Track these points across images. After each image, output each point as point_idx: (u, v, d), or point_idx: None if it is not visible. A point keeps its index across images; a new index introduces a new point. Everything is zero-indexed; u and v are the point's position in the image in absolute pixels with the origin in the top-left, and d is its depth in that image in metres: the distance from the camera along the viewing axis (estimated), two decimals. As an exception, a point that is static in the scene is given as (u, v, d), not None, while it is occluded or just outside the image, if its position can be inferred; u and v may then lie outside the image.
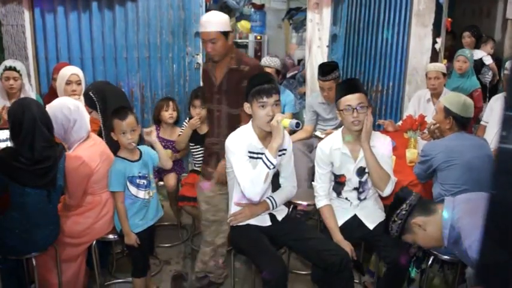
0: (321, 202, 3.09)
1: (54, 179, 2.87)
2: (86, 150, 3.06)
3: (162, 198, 4.59)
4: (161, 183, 4.21)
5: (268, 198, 2.98)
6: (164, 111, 4.18)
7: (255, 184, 2.72)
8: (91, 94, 3.41)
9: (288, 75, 6.90)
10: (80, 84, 3.91)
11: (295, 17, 7.73)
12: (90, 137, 3.15)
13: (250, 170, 2.76)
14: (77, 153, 3.02)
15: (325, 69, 4.16)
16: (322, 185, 3.09)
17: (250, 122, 2.92)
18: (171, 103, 4.20)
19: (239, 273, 3.70)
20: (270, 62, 4.58)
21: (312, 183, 3.21)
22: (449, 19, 5.28)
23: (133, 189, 3.09)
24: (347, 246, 2.89)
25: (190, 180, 4.01)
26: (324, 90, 4.22)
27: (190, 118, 4.10)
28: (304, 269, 3.71)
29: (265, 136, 2.83)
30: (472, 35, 6.16)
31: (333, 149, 3.03)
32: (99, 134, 3.46)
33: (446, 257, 2.93)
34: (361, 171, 3.05)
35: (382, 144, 3.03)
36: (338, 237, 2.95)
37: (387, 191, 2.98)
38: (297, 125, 2.66)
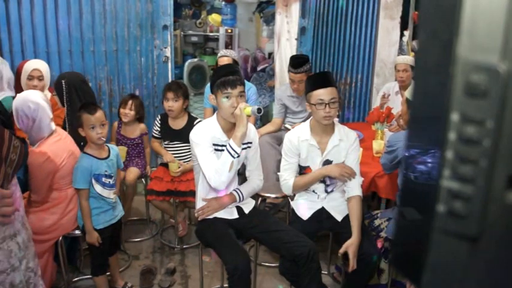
0: (289, 181, 3.05)
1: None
2: (51, 146, 2.99)
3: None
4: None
5: (234, 190, 2.97)
6: (121, 109, 4.08)
7: (220, 173, 2.72)
8: (63, 82, 3.37)
9: (258, 68, 6.91)
10: (42, 79, 3.84)
11: (266, 10, 7.73)
12: (56, 131, 3.07)
13: (214, 160, 2.76)
14: (41, 148, 2.95)
15: (297, 62, 4.16)
16: (287, 173, 3.08)
17: (215, 115, 2.92)
18: (130, 102, 4.05)
19: (208, 266, 3.70)
20: (226, 52, 4.56)
21: (278, 173, 3.20)
22: (417, 12, 5.33)
23: (98, 188, 3.05)
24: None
25: (159, 174, 3.99)
26: (294, 83, 4.21)
27: (163, 113, 4.07)
28: (273, 262, 3.72)
29: (230, 128, 2.82)
30: None
31: (300, 139, 3.03)
32: (63, 127, 3.41)
33: (411, 247, 2.96)
34: (327, 165, 3.05)
35: (349, 138, 3.04)
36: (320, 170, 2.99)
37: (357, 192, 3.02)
38: (258, 110, 2.66)
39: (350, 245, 2.84)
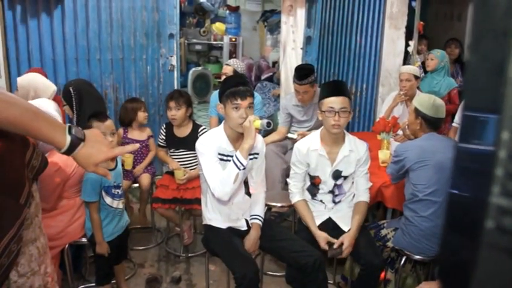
0: (294, 198, 3.13)
1: None
2: (62, 156, 2.96)
3: (136, 200, 4.57)
4: (135, 185, 4.20)
5: (257, 219, 3.00)
6: (141, 112, 4.18)
7: (224, 184, 2.72)
8: (71, 89, 3.37)
9: (263, 77, 6.92)
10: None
11: (270, 19, 7.77)
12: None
13: (219, 170, 2.76)
14: (52, 159, 2.91)
15: (301, 73, 4.15)
16: (295, 183, 3.11)
17: (222, 124, 2.92)
18: (142, 107, 4.22)
19: (213, 275, 3.70)
20: (229, 61, 4.65)
21: (287, 179, 3.23)
22: (422, 22, 5.36)
23: (108, 200, 3.04)
24: (321, 236, 2.94)
25: (165, 182, 3.99)
26: (299, 94, 4.23)
27: (168, 121, 4.10)
28: (279, 271, 3.71)
29: (237, 139, 2.83)
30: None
31: (310, 149, 3.05)
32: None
33: (418, 257, 2.98)
34: (337, 175, 3.06)
35: (359, 150, 3.06)
36: (314, 229, 2.99)
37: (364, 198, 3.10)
38: (268, 124, 2.68)
39: (346, 236, 2.93)
